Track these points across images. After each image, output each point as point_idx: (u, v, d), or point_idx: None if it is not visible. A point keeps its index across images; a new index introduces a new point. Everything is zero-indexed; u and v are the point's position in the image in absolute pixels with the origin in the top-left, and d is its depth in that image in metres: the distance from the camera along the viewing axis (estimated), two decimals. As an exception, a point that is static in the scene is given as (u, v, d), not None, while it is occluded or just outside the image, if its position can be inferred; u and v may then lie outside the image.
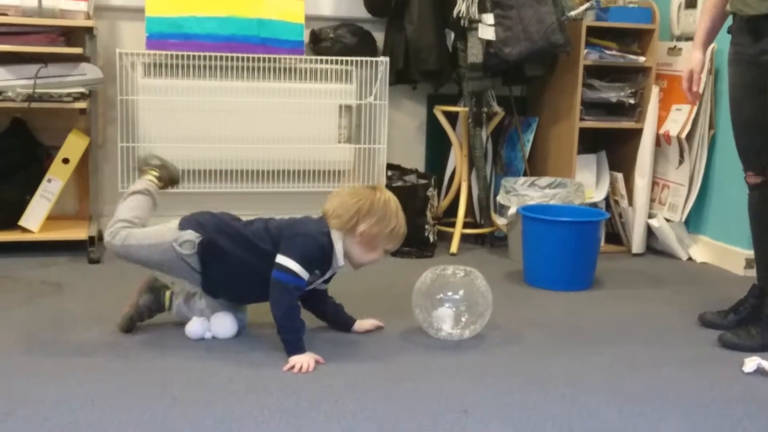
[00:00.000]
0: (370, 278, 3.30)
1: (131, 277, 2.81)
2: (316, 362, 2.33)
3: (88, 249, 3.34)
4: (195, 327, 2.50)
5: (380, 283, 3.23)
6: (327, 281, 2.58)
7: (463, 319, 2.57)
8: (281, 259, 2.38)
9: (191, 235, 2.44)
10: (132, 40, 3.65)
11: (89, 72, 3.33)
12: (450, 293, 2.58)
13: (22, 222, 3.38)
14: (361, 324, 2.64)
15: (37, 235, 3.38)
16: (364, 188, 2.54)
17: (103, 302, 2.80)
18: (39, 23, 3.22)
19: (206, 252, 2.45)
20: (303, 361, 2.32)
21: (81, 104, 3.31)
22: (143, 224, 2.54)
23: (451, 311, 2.56)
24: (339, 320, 2.65)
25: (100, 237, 3.57)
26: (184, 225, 2.47)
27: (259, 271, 2.41)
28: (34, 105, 3.22)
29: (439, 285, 2.60)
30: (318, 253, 2.43)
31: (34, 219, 3.39)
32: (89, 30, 3.33)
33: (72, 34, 3.37)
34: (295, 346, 2.36)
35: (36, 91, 3.19)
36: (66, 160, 3.41)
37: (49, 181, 3.41)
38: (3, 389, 2.08)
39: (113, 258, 3.37)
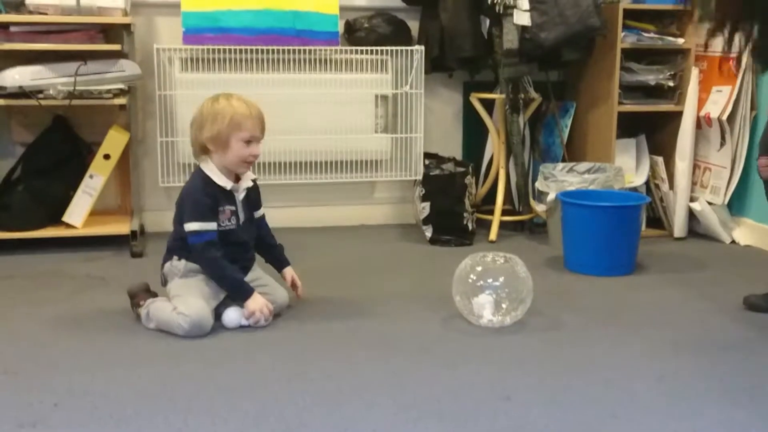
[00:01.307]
0: (409, 266, 3.31)
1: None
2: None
3: (131, 243, 3.38)
4: (230, 316, 2.53)
5: (420, 270, 3.24)
6: (254, 208, 2.68)
7: (504, 306, 2.56)
8: (186, 226, 2.50)
9: (167, 267, 2.61)
10: (169, 35, 3.68)
11: (128, 68, 3.37)
12: (490, 280, 2.58)
13: (65, 218, 3.43)
14: (288, 272, 2.75)
15: (81, 231, 3.43)
16: (198, 108, 2.59)
17: (146, 295, 2.84)
18: (78, 21, 3.25)
19: (187, 256, 2.57)
20: (257, 306, 2.48)
21: (120, 100, 3.35)
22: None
23: (491, 298, 2.55)
24: (270, 256, 2.76)
25: (142, 231, 3.63)
26: (163, 280, 2.63)
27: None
28: (75, 102, 3.26)
29: (479, 272, 2.59)
30: (201, 197, 2.50)
31: (77, 214, 3.44)
32: (127, 26, 3.37)
33: (110, 31, 3.41)
34: (241, 292, 2.50)
35: (76, 88, 3.23)
36: (107, 156, 3.45)
37: (91, 176, 3.45)
38: (51, 381, 2.12)
39: (156, 251, 3.42)
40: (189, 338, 2.42)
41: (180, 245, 2.56)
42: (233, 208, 2.57)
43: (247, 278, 2.61)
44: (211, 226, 2.50)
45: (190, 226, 2.50)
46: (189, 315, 2.43)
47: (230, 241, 2.56)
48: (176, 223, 2.59)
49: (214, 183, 2.53)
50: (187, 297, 2.49)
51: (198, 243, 2.50)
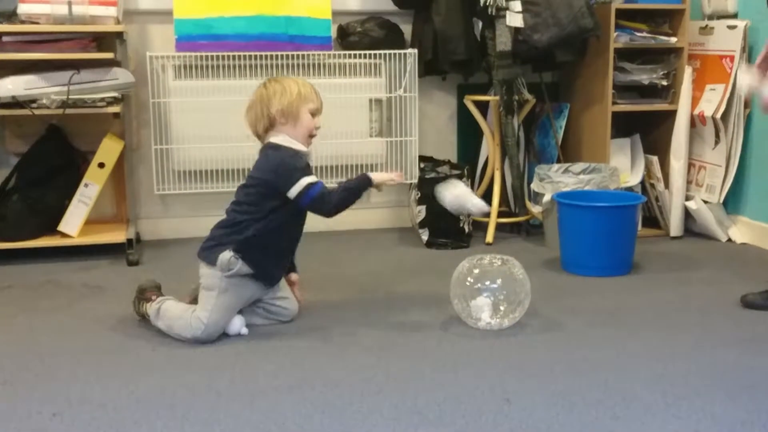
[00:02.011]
0: (407, 270, 3.31)
1: (170, 277, 2.85)
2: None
3: (127, 251, 3.37)
4: (232, 323, 2.52)
5: (417, 274, 3.23)
6: None
7: (502, 308, 2.56)
8: (294, 189, 2.47)
9: (225, 255, 2.48)
10: (162, 42, 3.67)
11: (121, 76, 3.36)
12: (488, 282, 2.57)
13: (61, 227, 3.42)
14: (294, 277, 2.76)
15: (77, 240, 3.42)
16: (254, 93, 2.62)
17: (143, 303, 2.83)
18: (70, 30, 3.25)
19: (244, 251, 2.49)
20: (385, 177, 2.55)
21: (114, 108, 3.34)
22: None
23: (489, 300, 2.55)
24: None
25: (138, 239, 3.62)
26: (210, 258, 2.51)
27: (282, 223, 2.53)
28: (68, 111, 3.25)
29: (476, 274, 2.59)
30: (295, 158, 2.51)
31: (73, 223, 3.43)
32: (119, 35, 3.36)
33: (103, 40, 3.40)
34: (366, 182, 2.54)
35: (70, 97, 3.22)
36: (102, 165, 3.45)
37: (86, 185, 3.45)
38: (50, 391, 2.12)
39: (152, 259, 3.43)
40: (190, 345, 2.42)
41: (242, 241, 2.49)
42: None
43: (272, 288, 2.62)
44: (315, 178, 2.50)
45: (303, 182, 2.46)
46: (206, 324, 2.43)
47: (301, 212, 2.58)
48: (241, 205, 2.55)
49: (295, 150, 2.54)
50: (215, 303, 2.46)
51: (314, 194, 2.47)
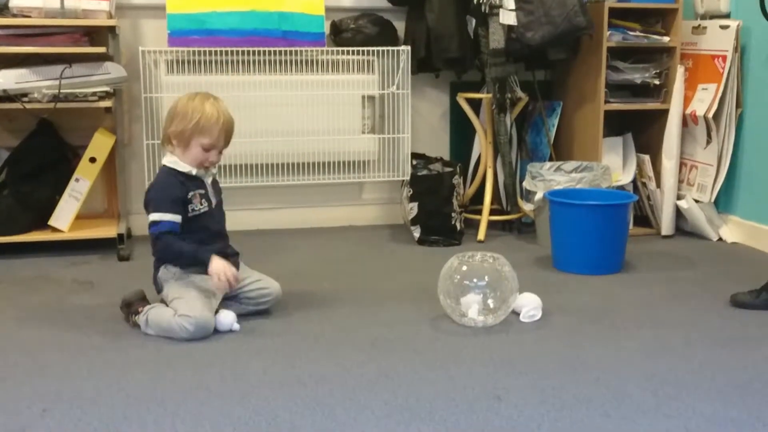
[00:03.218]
0: (398, 267, 3.30)
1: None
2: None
3: (118, 246, 3.36)
4: (222, 319, 2.52)
5: (408, 271, 3.23)
6: (220, 195, 2.69)
7: (490, 305, 2.56)
8: (149, 218, 2.53)
9: (159, 273, 2.59)
10: (154, 37, 3.66)
11: (113, 71, 3.35)
12: (475, 280, 2.58)
13: (51, 222, 3.41)
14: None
15: (67, 235, 3.41)
16: (176, 100, 2.60)
17: (134, 299, 2.82)
18: (62, 24, 3.24)
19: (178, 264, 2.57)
20: (219, 268, 2.46)
21: (106, 103, 3.33)
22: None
23: (478, 297, 2.56)
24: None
25: (129, 234, 3.61)
26: (159, 289, 2.61)
27: (194, 231, 2.56)
28: (60, 105, 3.24)
29: (464, 271, 2.59)
30: (161, 188, 2.53)
31: (64, 218, 3.42)
32: (112, 29, 3.35)
33: (95, 34, 3.39)
34: (200, 261, 2.49)
35: (61, 91, 3.21)
36: (93, 159, 3.43)
37: (77, 180, 3.43)
38: (39, 387, 2.11)
39: (143, 255, 3.41)
40: (188, 341, 2.41)
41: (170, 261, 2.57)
42: (203, 191, 2.58)
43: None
44: (168, 216, 2.49)
45: (150, 217, 2.51)
46: (193, 316, 2.42)
47: (204, 225, 2.57)
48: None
49: (179, 172, 2.54)
50: (187, 299, 2.47)
51: (154, 232, 2.51)
